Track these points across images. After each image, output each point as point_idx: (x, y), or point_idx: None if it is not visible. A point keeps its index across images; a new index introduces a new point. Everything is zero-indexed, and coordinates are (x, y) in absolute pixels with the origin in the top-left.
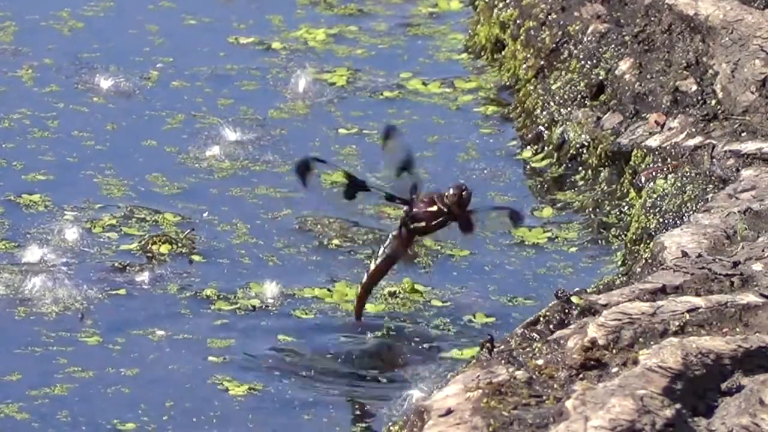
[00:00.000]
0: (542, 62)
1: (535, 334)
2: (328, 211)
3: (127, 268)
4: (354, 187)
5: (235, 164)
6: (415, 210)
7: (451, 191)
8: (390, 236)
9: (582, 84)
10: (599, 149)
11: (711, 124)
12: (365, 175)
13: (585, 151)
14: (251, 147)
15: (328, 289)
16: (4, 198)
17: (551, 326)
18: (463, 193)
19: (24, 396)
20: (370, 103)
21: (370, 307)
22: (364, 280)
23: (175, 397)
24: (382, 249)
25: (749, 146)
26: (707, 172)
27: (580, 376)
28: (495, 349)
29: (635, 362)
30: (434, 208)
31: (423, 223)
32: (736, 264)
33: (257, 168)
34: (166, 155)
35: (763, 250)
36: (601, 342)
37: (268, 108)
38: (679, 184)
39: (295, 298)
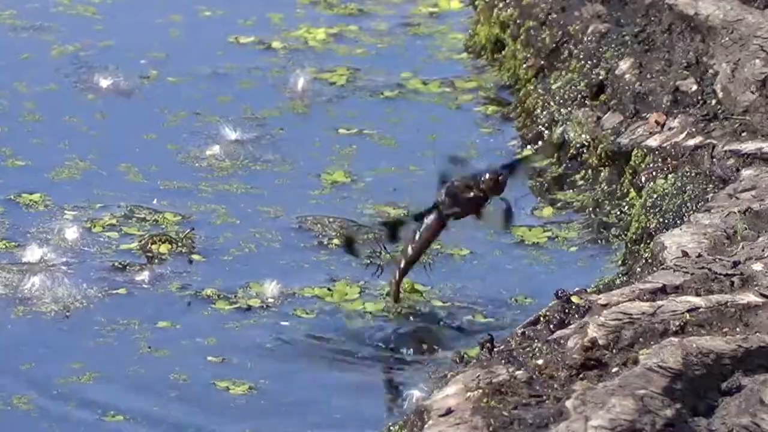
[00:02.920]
0: (542, 62)
1: (535, 334)
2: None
3: (127, 267)
4: (393, 233)
5: (235, 163)
6: (450, 197)
7: (488, 176)
8: (425, 220)
9: (582, 84)
10: (599, 149)
11: (711, 124)
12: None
13: (585, 151)
14: (251, 146)
15: (329, 289)
16: (3, 197)
17: (551, 326)
18: (500, 177)
19: (24, 395)
20: (369, 103)
21: (370, 307)
22: (401, 264)
23: (175, 396)
24: (417, 233)
25: (749, 146)
26: (707, 172)
27: (581, 376)
28: (495, 349)
29: (635, 362)
30: (471, 194)
31: (459, 209)
32: (736, 264)
33: (257, 167)
34: (166, 154)
35: (763, 250)
36: (601, 342)
37: (268, 107)
38: (679, 184)
39: (295, 297)
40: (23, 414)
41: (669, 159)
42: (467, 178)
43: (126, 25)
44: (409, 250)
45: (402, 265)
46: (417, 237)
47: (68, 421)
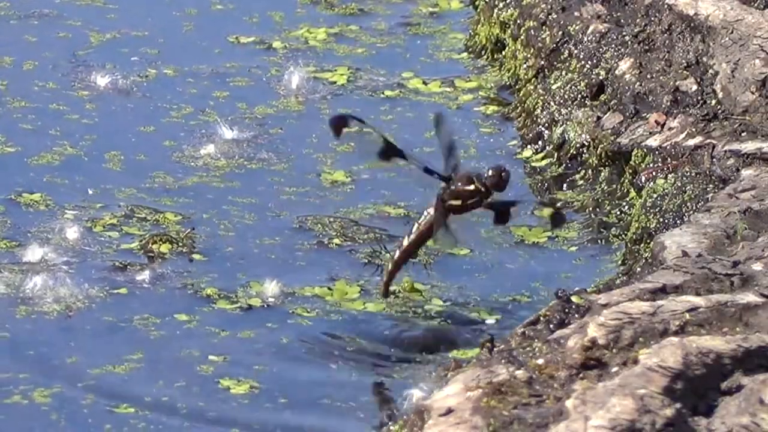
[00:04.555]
0: (542, 62)
1: (535, 334)
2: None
3: (128, 267)
4: (389, 150)
5: (231, 162)
6: (453, 187)
7: (491, 171)
8: (425, 212)
9: (582, 84)
10: (599, 149)
11: (711, 124)
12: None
13: (585, 151)
14: (247, 145)
15: (329, 288)
16: (4, 197)
17: (551, 326)
18: (502, 174)
19: (23, 395)
20: (366, 101)
21: (370, 307)
22: (396, 255)
23: (176, 396)
24: (416, 225)
25: (749, 146)
26: (707, 172)
27: (581, 375)
28: (495, 349)
29: (635, 362)
30: (472, 187)
31: (459, 201)
32: (736, 264)
33: (254, 166)
34: (165, 154)
35: (763, 250)
36: (601, 341)
37: (265, 106)
38: (679, 184)
39: (296, 296)
40: (24, 410)
41: (669, 159)
42: (470, 172)
43: (126, 23)
44: (405, 242)
45: (397, 256)
46: (414, 230)
47: (66, 422)
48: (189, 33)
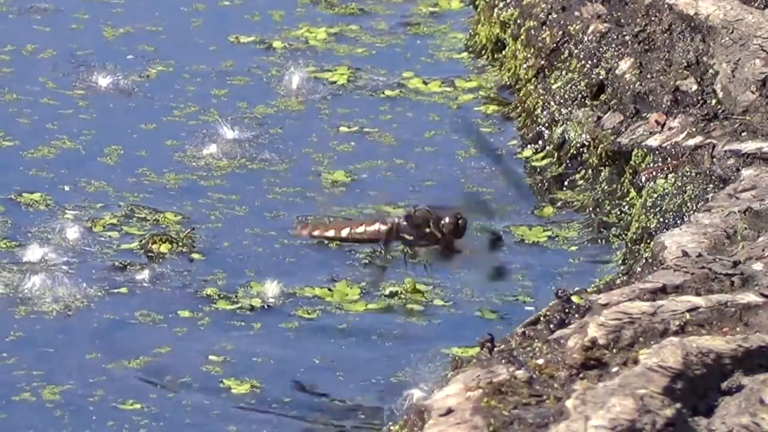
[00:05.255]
0: (543, 62)
1: (535, 334)
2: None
3: (128, 267)
4: None
5: (232, 162)
6: (407, 224)
7: (448, 220)
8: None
9: (582, 83)
10: (600, 149)
11: (711, 124)
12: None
13: (585, 151)
14: (248, 145)
15: (329, 289)
16: (4, 197)
17: (551, 326)
18: (459, 222)
19: (23, 394)
20: (366, 101)
21: (371, 307)
22: (346, 230)
23: (177, 396)
24: (364, 227)
25: (749, 146)
26: (707, 172)
27: (581, 375)
28: (495, 349)
29: (635, 362)
30: (427, 231)
31: (411, 238)
32: (736, 263)
33: (254, 166)
34: (165, 154)
35: (763, 250)
36: (601, 341)
37: (265, 106)
38: (679, 184)
39: (296, 297)
40: (27, 408)
41: (669, 159)
42: (429, 213)
43: (125, 22)
44: (344, 231)
45: (327, 233)
46: (360, 228)
47: (66, 421)
48: (191, 31)
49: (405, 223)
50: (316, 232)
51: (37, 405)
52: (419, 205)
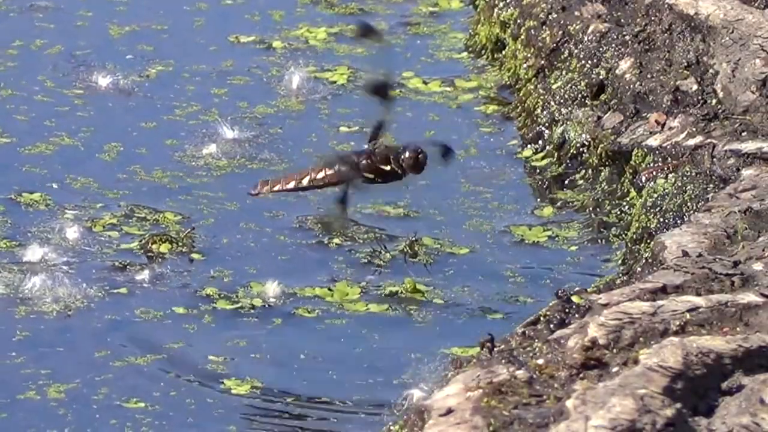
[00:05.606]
0: (543, 62)
1: (535, 334)
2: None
3: (128, 267)
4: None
5: (231, 162)
6: (368, 162)
7: (407, 154)
8: (343, 165)
9: (582, 83)
10: (600, 149)
11: (711, 124)
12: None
13: (585, 151)
14: (247, 145)
15: (329, 288)
16: (4, 196)
17: (551, 326)
18: (419, 156)
19: (24, 395)
20: (365, 101)
21: (372, 307)
22: (306, 179)
23: (177, 395)
24: (323, 171)
25: (749, 146)
26: (708, 172)
27: (581, 375)
28: (495, 349)
29: (636, 362)
30: (388, 168)
31: (372, 176)
32: (736, 263)
33: (254, 166)
34: (165, 154)
35: (763, 250)
36: (601, 341)
37: (265, 106)
38: (679, 184)
39: (297, 297)
40: (30, 407)
41: (669, 159)
42: (390, 149)
43: (125, 22)
44: (305, 180)
45: (287, 185)
46: (320, 174)
47: (66, 422)
48: (193, 30)
49: (365, 162)
50: (276, 188)
51: (40, 404)
52: (376, 141)
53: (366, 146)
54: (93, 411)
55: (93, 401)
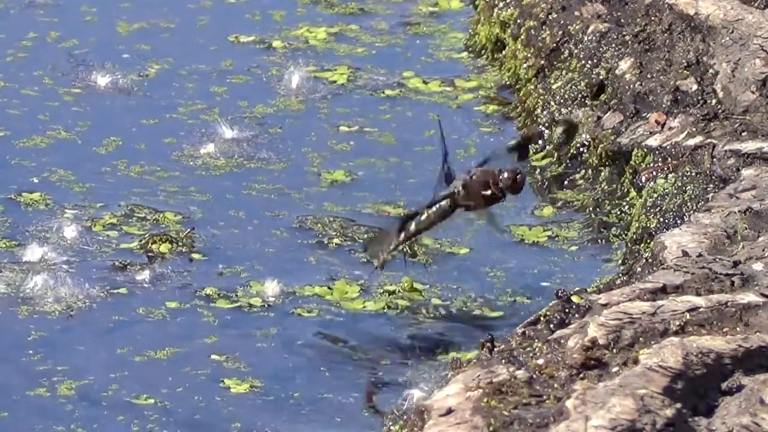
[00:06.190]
0: (543, 61)
1: (535, 334)
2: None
3: (128, 266)
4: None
5: (231, 161)
6: (467, 189)
7: (506, 175)
8: (437, 205)
9: (582, 83)
10: (600, 149)
11: (711, 124)
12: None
13: (585, 151)
14: (247, 144)
15: (329, 288)
16: (4, 196)
17: (551, 326)
18: (518, 176)
19: (24, 394)
20: (366, 100)
21: (370, 306)
22: (412, 227)
23: (177, 395)
24: (426, 213)
25: (749, 146)
26: (708, 172)
27: (581, 375)
28: (495, 349)
29: (636, 362)
30: (488, 192)
31: (473, 203)
32: (736, 263)
33: (253, 165)
34: (165, 153)
35: (763, 250)
36: (601, 341)
37: (265, 105)
38: (679, 184)
39: (296, 296)
40: (32, 407)
41: (669, 159)
42: (487, 173)
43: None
44: (413, 226)
45: (400, 238)
46: (424, 216)
47: (69, 420)
48: (194, 30)
49: (464, 191)
50: (392, 247)
51: (48, 402)
52: (471, 169)
53: (455, 179)
54: (92, 409)
55: (88, 402)
